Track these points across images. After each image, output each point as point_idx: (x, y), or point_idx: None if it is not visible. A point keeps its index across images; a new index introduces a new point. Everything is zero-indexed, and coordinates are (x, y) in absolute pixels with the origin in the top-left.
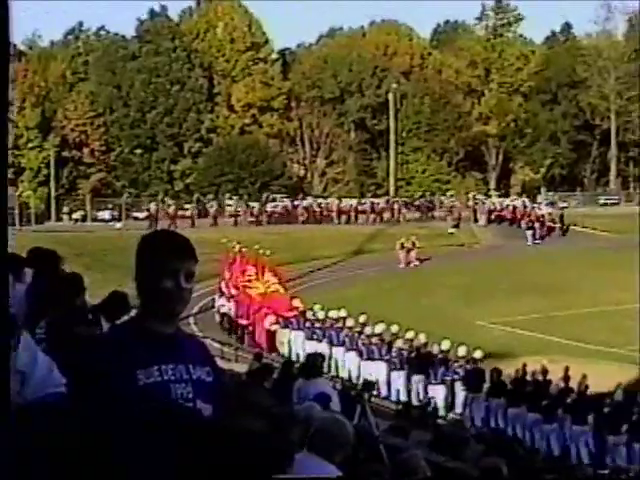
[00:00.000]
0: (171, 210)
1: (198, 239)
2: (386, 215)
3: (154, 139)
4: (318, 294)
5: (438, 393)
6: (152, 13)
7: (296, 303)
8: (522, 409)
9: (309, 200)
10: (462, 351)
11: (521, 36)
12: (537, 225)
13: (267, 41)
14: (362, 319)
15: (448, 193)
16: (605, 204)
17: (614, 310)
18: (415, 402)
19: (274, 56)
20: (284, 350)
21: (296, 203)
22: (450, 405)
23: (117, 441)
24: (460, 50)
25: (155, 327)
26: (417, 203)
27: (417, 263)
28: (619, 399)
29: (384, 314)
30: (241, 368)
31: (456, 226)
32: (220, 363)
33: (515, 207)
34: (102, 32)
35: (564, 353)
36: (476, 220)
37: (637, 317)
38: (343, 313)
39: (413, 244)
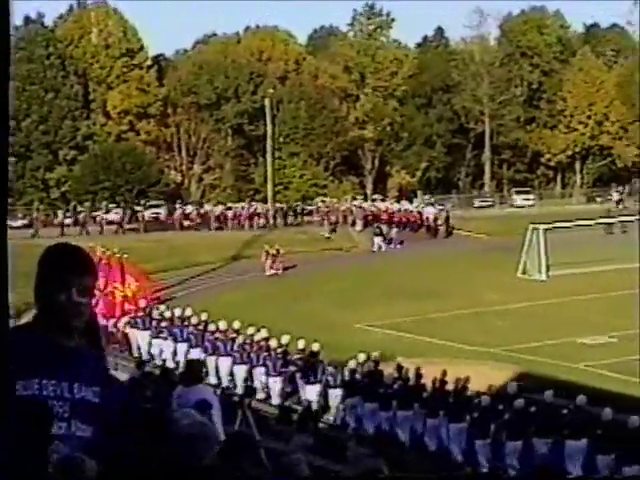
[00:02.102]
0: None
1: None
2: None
3: (28, 147)
4: (197, 300)
5: (276, 384)
6: (27, 20)
7: (142, 304)
8: (357, 399)
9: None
10: (301, 344)
11: (395, 41)
12: (394, 230)
13: (142, 47)
14: (204, 316)
15: (343, 197)
16: (480, 206)
17: (487, 311)
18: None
19: (149, 62)
20: (135, 350)
21: (178, 210)
22: (288, 395)
23: None
24: (335, 55)
25: (52, 338)
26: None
27: (279, 272)
28: (437, 386)
29: (263, 319)
30: (121, 376)
31: (333, 230)
32: None
33: (394, 211)
34: None
35: (442, 354)
36: (353, 224)
37: (508, 317)
38: (188, 312)
39: (277, 251)
